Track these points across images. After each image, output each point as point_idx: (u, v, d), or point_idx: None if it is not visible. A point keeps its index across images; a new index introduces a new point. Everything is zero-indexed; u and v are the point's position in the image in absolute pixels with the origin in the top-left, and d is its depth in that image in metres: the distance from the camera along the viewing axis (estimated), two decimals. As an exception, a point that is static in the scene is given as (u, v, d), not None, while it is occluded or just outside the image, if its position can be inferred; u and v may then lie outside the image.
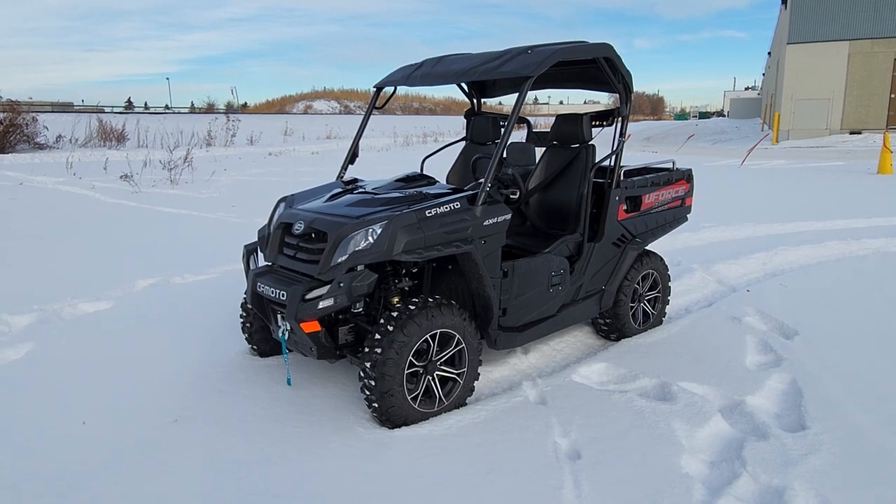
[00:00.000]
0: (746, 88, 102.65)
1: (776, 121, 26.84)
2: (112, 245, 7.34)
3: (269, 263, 3.67)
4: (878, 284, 5.78)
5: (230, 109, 68.10)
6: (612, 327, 4.53)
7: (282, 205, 3.93)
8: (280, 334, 3.41)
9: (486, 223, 3.42)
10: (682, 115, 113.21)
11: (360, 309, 3.55)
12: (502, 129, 4.87)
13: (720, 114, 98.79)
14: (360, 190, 3.85)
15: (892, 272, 6.22)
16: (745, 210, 9.70)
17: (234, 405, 3.44)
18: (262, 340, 4.06)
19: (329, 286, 3.15)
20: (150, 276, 5.98)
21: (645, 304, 4.69)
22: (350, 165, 4.50)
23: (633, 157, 19.44)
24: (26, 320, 4.79)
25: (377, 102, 4.57)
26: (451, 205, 3.36)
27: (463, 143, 5.15)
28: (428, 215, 3.27)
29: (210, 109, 56.60)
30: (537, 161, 4.56)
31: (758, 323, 4.84)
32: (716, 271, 6.36)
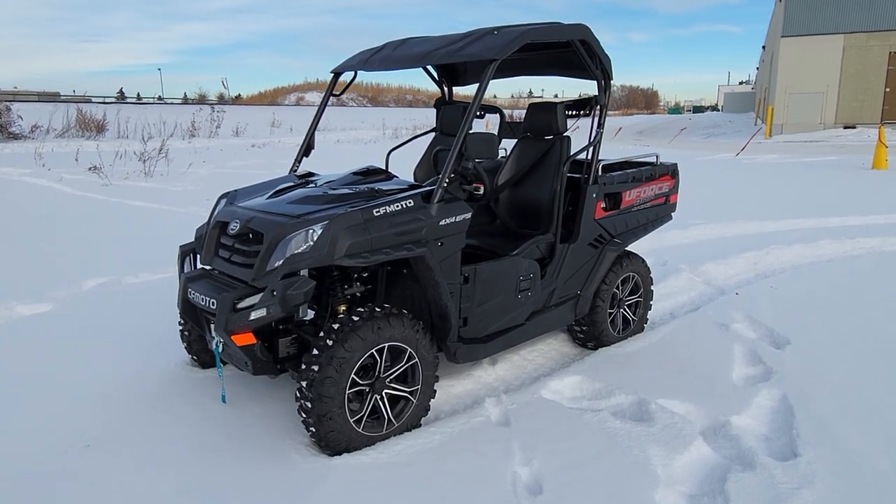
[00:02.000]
0: (741, 83, 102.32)
1: (769, 115, 26.53)
2: (68, 241, 6.94)
3: (205, 267, 3.30)
4: (872, 287, 5.45)
5: (222, 101, 67.40)
6: (589, 335, 4.17)
7: (223, 201, 3.56)
8: (214, 346, 3.04)
9: (442, 223, 3.05)
10: (676, 109, 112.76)
11: (305, 318, 3.18)
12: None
13: (714, 108, 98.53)
14: (311, 185, 3.48)
15: (887, 273, 5.90)
16: (735, 206, 9.37)
17: (160, 426, 3.06)
18: (203, 350, 3.69)
19: (262, 294, 2.78)
20: (102, 276, 5.59)
21: (625, 309, 4.34)
22: (305, 158, 4.11)
23: (623, 151, 19.12)
24: (-47, 325, 4.41)
25: (335, 89, 4.18)
26: (403, 203, 2.99)
27: (433, 134, 4.77)
28: (376, 214, 2.90)
29: (202, 100, 55.89)
30: (509, 153, 4.20)
31: (746, 330, 4.49)
32: (704, 272, 6.01)
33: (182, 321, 3.67)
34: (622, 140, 27.20)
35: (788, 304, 5.01)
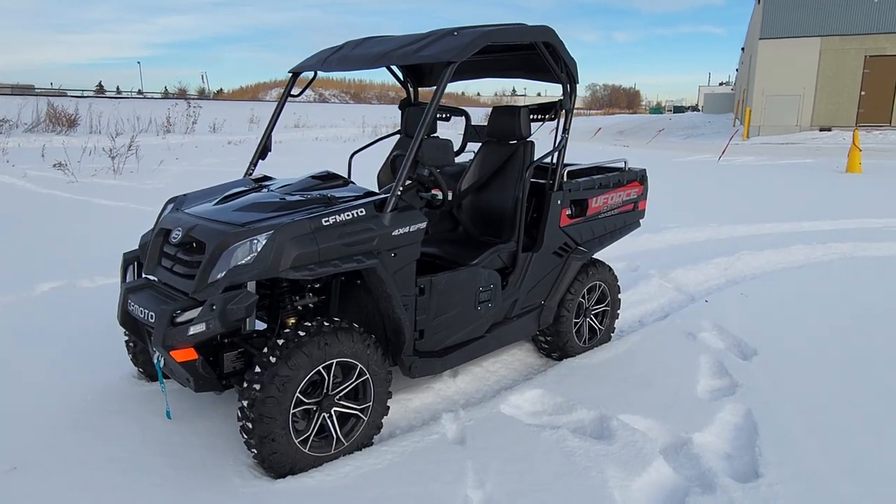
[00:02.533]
0: (721, 84, 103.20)
1: (747, 116, 26.69)
2: (25, 241, 6.70)
3: (149, 276, 3.14)
4: (842, 294, 5.42)
5: (202, 95, 66.48)
6: (554, 345, 4.07)
7: (169, 206, 3.40)
8: (155, 360, 2.88)
9: (395, 233, 2.92)
10: (657, 109, 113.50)
11: (252, 331, 3.02)
12: (438, 122, 4.38)
13: (695, 108, 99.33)
14: (263, 191, 3.33)
15: (857, 280, 5.87)
16: (709, 210, 9.33)
17: (95, 446, 2.90)
18: (149, 362, 3.52)
19: (202, 308, 2.63)
20: (55, 279, 5.38)
21: (591, 319, 4.24)
22: (261, 161, 3.95)
23: (601, 151, 19.07)
24: None
25: (293, 90, 4.02)
26: (355, 212, 2.85)
27: (398, 136, 4.63)
28: (324, 224, 2.76)
29: (182, 95, 55.04)
30: (472, 158, 4.08)
31: (714, 340, 4.42)
32: (674, 277, 5.94)
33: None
34: (601, 140, 27.24)
35: (757, 312, 4.95)
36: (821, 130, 25.78)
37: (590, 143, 24.86)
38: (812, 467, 2.86)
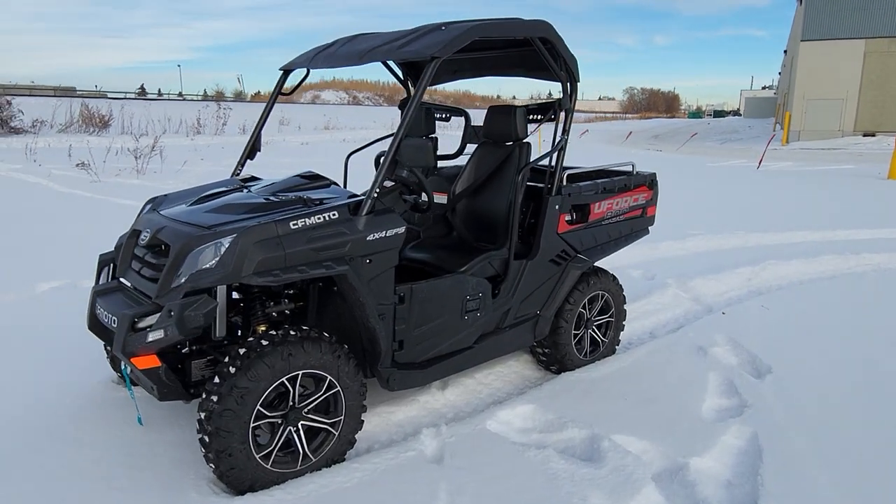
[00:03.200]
0: (764, 87, 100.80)
1: (787, 121, 25.91)
2: (36, 239, 6.74)
3: (121, 279, 3.04)
4: (871, 309, 5.08)
5: (238, 97, 67.64)
6: (553, 358, 3.86)
7: (147, 206, 3.30)
8: (123, 367, 2.77)
9: (370, 238, 2.76)
10: (696, 114, 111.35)
11: (223, 339, 2.89)
12: (438, 122, 4.21)
13: (736, 113, 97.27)
14: (242, 192, 3.20)
15: (889, 293, 5.51)
16: (738, 216, 8.97)
17: (58, 454, 2.80)
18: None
19: (160, 314, 2.51)
20: (57, 278, 5.37)
21: (594, 330, 4.01)
22: (249, 160, 3.83)
23: (633, 155, 18.67)
24: None
25: (283, 88, 3.90)
26: (326, 214, 2.70)
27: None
28: (293, 227, 2.61)
29: (219, 97, 56.05)
30: (468, 160, 3.90)
31: (727, 355, 4.15)
32: (692, 287, 5.66)
33: (106, 335, 3.41)
34: (634, 144, 26.77)
35: (777, 326, 4.65)
36: (864, 136, 24.87)
37: (621, 147, 24.43)
38: (817, 498, 2.60)
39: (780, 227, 8.19)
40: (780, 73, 54.77)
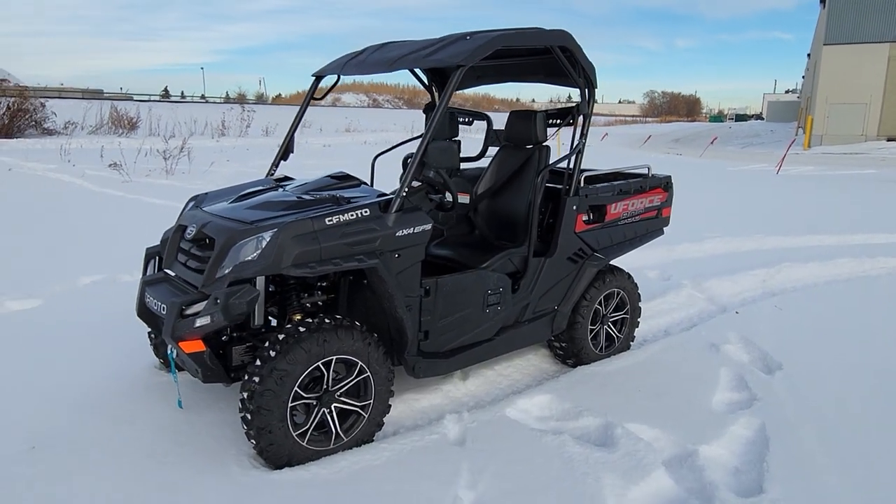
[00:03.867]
0: (787, 91, 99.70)
1: (809, 125, 25.73)
2: (74, 236, 7.05)
3: (167, 270, 3.27)
4: (886, 310, 5.17)
5: (260, 100, 68.40)
6: (569, 352, 4.03)
7: (190, 203, 3.53)
8: (169, 351, 3.00)
9: (399, 234, 2.96)
10: (717, 118, 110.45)
11: (261, 327, 3.12)
12: (461, 126, 4.40)
13: (759, 117, 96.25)
14: (278, 190, 3.42)
15: (905, 297, 5.59)
16: (756, 219, 9.05)
17: (109, 430, 3.03)
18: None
19: (207, 302, 2.73)
20: (98, 272, 5.65)
21: (609, 326, 4.18)
22: (283, 161, 4.05)
23: (653, 159, 18.71)
24: (-59, 317, 4.48)
25: (315, 93, 4.12)
26: (358, 212, 2.90)
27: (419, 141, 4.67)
28: (328, 223, 2.82)
29: (241, 99, 56.82)
30: (490, 162, 4.09)
31: (739, 353, 4.29)
32: (707, 288, 5.79)
33: (150, 324, 3.64)
34: (654, 148, 26.75)
35: (790, 326, 4.78)
36: (888, 140, 24.63)
37: (640, 151, 24.45)
38: (822, 487, 2.75)
39: (797, 230, 8.26)
40: (803, 77, 54.25)
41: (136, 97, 44.53)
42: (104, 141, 16.44)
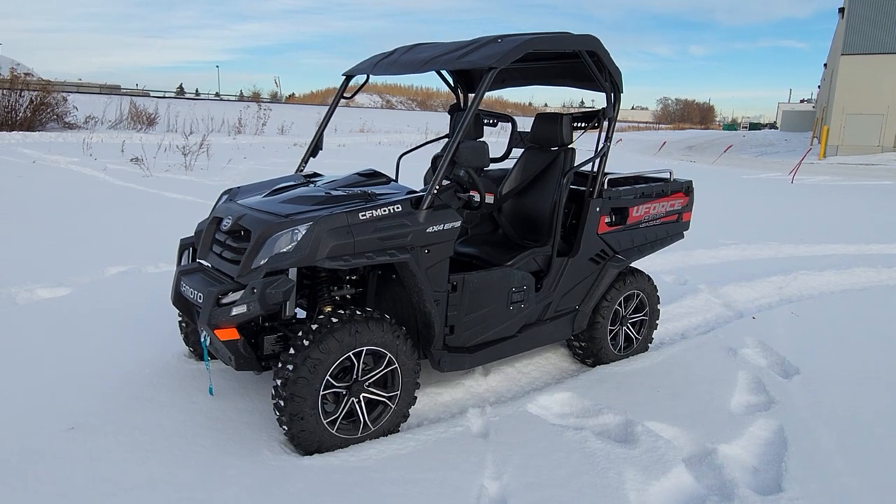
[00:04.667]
0: (802, 101, 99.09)
1: (824, 135, 25.62)
2: (100, 228, 7.19)
3: (201, 261, 3.37)
4: (902, 320, 5.19)
5: (274, 99, 68.85)
6: (588, 351, 4.09)
7: (224, 197, 3.63)
8: (202, 339, 3.09)
9: (429, 230, 3.04)
10: (731, 126, 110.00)
11: (292, 318, 3.20)
12: (486, 128, 4.48)
13: (773, 126, 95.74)
14: (309, 186, 3.52)
15: (922, 306, 5.61)
16: (771, 228, 9.08)
17: (144, 414, 3.13)
18: (199, 343, 3.75)
19: (243, 291, 2.82)
20: (123, 264, 5.77)
21: (628, 327, 4.24)
22: (312, 158, 4.14)
23: (667, 166, 18.71)
24: (-24, 303, 4.61)
25: (346, 92, 4.21)
26: (391, 207, 2.99)
27: (445, 140, 4.76)
28: (361, 218, 2.90)
29: (256, 98, 57.26)
30: (514, 163, 4.16)
31: (756, 356, 4.34)
32: (724, 293, 5.83)
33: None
34: (668, 155, 26.72)
35: (807, 332, 4.82)
36: (904, 152, 24.47)
37: (654, 158, 24.43)
38: (839, 486, 2.80)
39: (813, 239, 8.28)
40: (819, 87, 53.96)
41: (153, 93, 44.95)
42: (124, 136, 16.65)
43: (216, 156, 13.77)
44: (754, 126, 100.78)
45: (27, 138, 15.02)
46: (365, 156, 17.79)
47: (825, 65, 41.96)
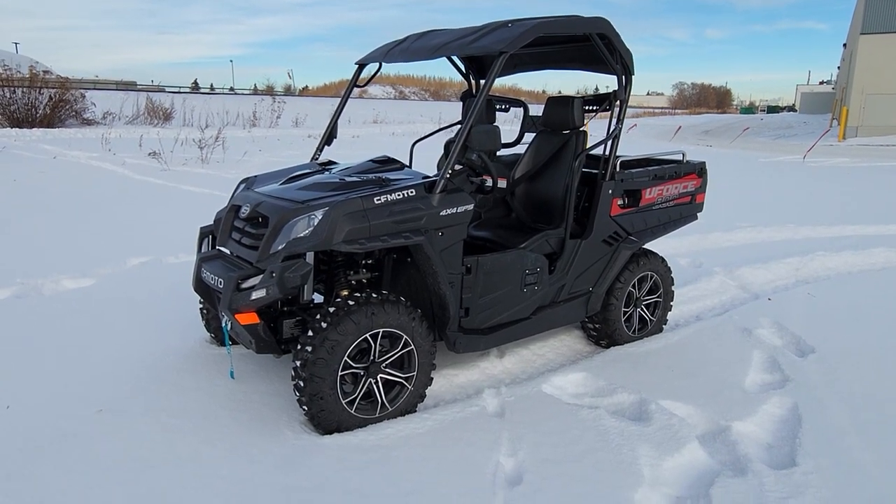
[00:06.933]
0: (821, 83, 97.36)
1: (843, 116, 25.24)
2: (120, 221, 7.32)
3: (221, 248, 3.45)
4: (921, 299, 5.16)
5: (288, 92, 69.08)
6: (602, 333, 4.13)
7: (241, 185, 3.70)
8: (223, 324, 3.17)
9: (443, 213, 3.09)
10: (748, 109, 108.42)
11: (310, 302, 3.28)
12: (498, 113, 4.51)
13: (791, 108, 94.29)
14: (325, 173, 3.58)
15: (941, 286, 5.56)
16: (788, 210, 9.01)
17: (168, 397, 3.23)
18: (220, 328, 3.85)
19: (262, 276, 2.89)
20: (144, 255, 5.89)
21: (642, 309, 4.26)
22: (327, 146, 4.20)
23: (685, 151, 18.55)
24: (4, 294, 4.74)
25: (358, 80, 4.25)
26: (405, 192, 3.04)
27: (458, 127, 4.79)
28: (377, 202, 2.96)
29: (269, 91, 57.55)
30: (527, 147, 4.19)
31: (771, 336, 4.35)
32: (740, 275, 5.83)
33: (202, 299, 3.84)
34: (683, 139, 26.47)
35: (823, 312, 4.81)
36: (926, 132, 24.04)
37: (670, 143, 24.22)
38: (853, 460, 2.82)
39: (831, 220, 8.21)
40: (838, 68, 53.03)
41: (168, 89, 45.33)
42: (141, 131, 16.86)
43: (232, 149, 13.91)
44: (772, 109, 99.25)
45: (47, 135, 15.27)
46: (379, 147, 17.83)
47: (844, 45, 41.20)
